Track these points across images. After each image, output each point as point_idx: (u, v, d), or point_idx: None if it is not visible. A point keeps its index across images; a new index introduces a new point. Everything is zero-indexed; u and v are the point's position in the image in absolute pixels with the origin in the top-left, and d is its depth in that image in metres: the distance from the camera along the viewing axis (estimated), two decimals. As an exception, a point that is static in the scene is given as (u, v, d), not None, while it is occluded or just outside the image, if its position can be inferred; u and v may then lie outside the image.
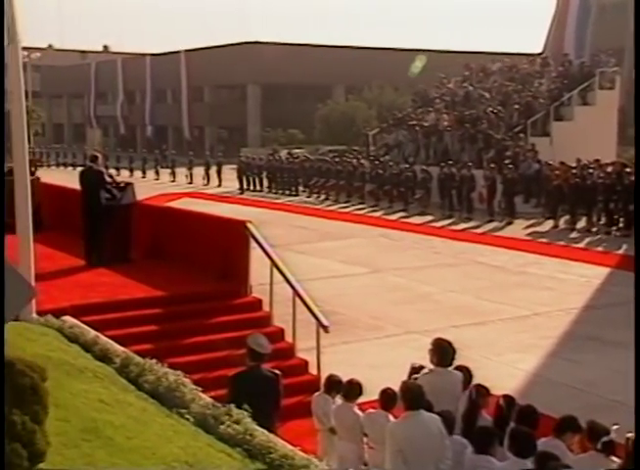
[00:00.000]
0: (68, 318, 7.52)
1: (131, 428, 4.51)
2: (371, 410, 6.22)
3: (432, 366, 6.25)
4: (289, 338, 9.17)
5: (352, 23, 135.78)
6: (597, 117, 24.67)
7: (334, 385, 6.70)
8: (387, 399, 6.02)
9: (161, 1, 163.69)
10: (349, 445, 6.29)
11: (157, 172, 39.15)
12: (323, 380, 7.23)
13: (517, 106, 26.66)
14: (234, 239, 10.00)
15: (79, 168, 15.40)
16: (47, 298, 8.19)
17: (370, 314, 12.10)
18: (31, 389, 3.36)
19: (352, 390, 6.41)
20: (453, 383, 6.18)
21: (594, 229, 19.62)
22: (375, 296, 13.38)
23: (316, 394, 6.87)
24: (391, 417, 5.87)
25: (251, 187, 32.38)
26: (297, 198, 29.49)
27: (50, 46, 77.58)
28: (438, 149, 27.00)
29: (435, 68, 36.55)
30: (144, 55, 65.50)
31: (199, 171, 35.79)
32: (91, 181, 11.05)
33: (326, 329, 8.60)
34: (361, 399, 6.51)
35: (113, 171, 28.20)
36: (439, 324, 11.18)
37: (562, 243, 18.54)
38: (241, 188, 32.39)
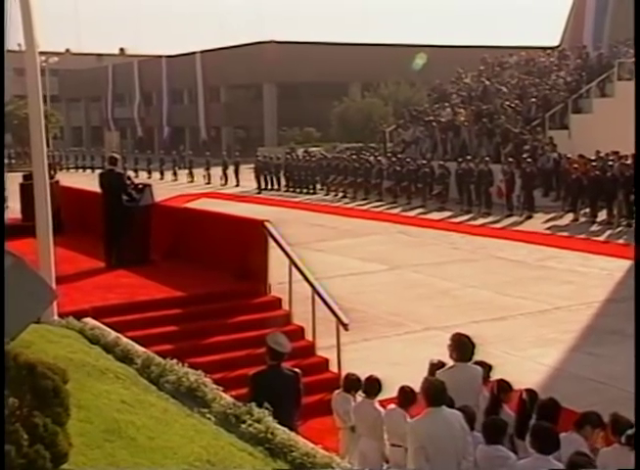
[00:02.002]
0: (89, 320, 7.57)
1: (153, 428, 4.53)
2: (391, 406, 6.22)
3: (451, 362, 6.23)
4: (309, 336, 9.17)
5: (367, 20, 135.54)
6: (616, 109, 24.38)
7: (353, 383, 6.70)
8: (404, 396, 6.02)
9: (176, 3, 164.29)
10: (371, 441, 6.29)
11: (174, 173, 39.32)
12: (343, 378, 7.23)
13: (534, 99, 26.50)
14: (252, 238, 10.02)
15: (98, 171, 15.49)
16: (68, 300, 8.25)
17: (390, 311, 12.07)
18: (53, 391, 3.39)
19: (372, 386, 6.41)
20: (473, 378, 6.16)
21: (614, 221, 19.45)
22: (394, 292, 13.36)
23: (335, 392, 6.88)
24: (408, 416, 5.86)
25: (269, 186, 32.43)
26: (314, 196, 29.49)
27: (67, 50, 78.08)
28: (456, 144, 26.90)
29: (452, 63, 36.38)
30: (160, 57, 65.77)
31: (216, 172, 35.90)
32: (111, 183, 11.10)
33: (346, 327, 8.60)
34: (382, 397, 6.51)
35: (131, 173, 28.33)
36: (459, 320, 11.14)
37: (582, 236, 18.41)
38: (258, 187, 32.45)
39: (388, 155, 28.96)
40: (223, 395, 5.58)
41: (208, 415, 5.21)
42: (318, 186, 30.48)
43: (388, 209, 24.87)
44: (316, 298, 8.95)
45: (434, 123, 28.35)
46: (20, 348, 4.08)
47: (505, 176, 22.17)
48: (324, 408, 7.10)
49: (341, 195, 28.54)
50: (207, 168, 36.59)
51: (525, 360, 9.72)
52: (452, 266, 15.42)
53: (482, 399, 6.07)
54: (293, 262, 9.40)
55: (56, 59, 58.51)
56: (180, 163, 40.59)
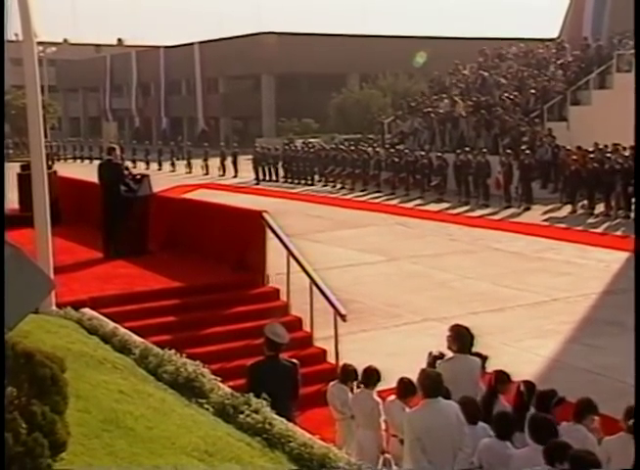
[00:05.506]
0: (87, 310, 7.56)
1: (151, 418, 4.53)
2: (391, 397, 6.23)
3: (450, 354, 6.24)
4: (306, 327, 9.19)
5: (366, 12, 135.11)
6: (615, 101, 24.31)
7: (349, 374, 6.71)
8: (403, 388, 6.03)
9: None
10: (368, 432, 6.30)
11: (172, 164, 39.26)
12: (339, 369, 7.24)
13: (533, 91, 26.46)
14: (250, 229, 10.02)
15: (96, 162, 15.47)
16: (66, 290, 8.27)
17: (387, 302, 12.09)
18: (51, 379, 3.39)
19: (370, 377, 6.42)
20: (472, 369, 6.18)
21: (612, 213, 19.46)
22: (392, 284, 13.37)
23: (331, 384, 6.87)
24: (407, 408, 5.87)
25: (267, 177, 32.39)
26: (312, 187, 29.47)
27: (65, 40, 77.79)
28: (454, 136, 26.87)
29: (451, 54, 36.31)
30: (158, 47, 65.55)
31: (214, 163, 35.85)
32: (109, 174, 11.09)
33: (344, 318, 8.60)
34: (380, 387, 6.52)
35: (129, 164, 28.30)
36: (457, 311, 11.16)
37: (580, 228, 18.42)
38: (257, 178, 32.41)
39: (387, 146, 28.91)
40: (221, 385, 5.58)
41: (206, 406, 5.21)
42: (316, 177, 30.44)
43: (386, 200, 24.85)
44: (314, 289, 8.96)
45: (433, 115, 28.31)
46: (17, 337, 4.08)
47: (503, 168, 22.14)
48: (322, 399, 7.10)
49: (339, 186, 28.51)
50: (206, 159, 36.53)
51: (523, 351, 9.74)
52: (450, 258, 15.43)
53: (481, 390, 6.09)
54: (291, 253, 9.40)
55: (53, 49, 58.30)
56: (178, 153, 40.52)
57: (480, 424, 5.49)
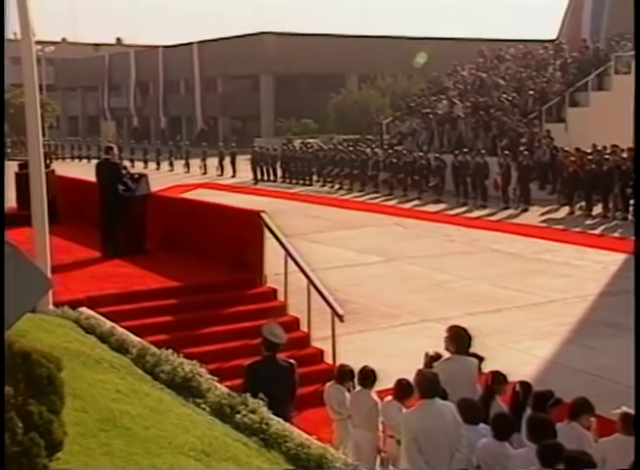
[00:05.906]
0: (84, 310, 7.56)
1: (148, 418, 4.53)
2: (388, 398, 6.23)
3: (447, 354, 6.25)
4: (304, 327, 9.18)
5: (365, 12, 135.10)
6: (613, 103, 24.34)
7: (345, 374, 6.71)
8: (401, 389, 6.03)
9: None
10: (365, 432, 6.30)
11: (171, 164, 39.27)
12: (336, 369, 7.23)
13: (531, 92, 26.49)
14: (248, 229, 10.02)
15: (94, 161, 15.46)
16: (63, 289, 8.26)
17: (385, 303, 12.09)
18: (47, 379, 3.39)
19: (367, 378, 6.41)
20: (469, 370, 6.18)
21: (610, 215, 19.47)
22: (390, 284, 13.37)
23: (328, 384, 6.86)
24: (404, 408, 5.87)
25: (265, 177, 32.40)
26: (310, 187, 29.48)
27: (64, 39, 77.79)
28: (452, 137, 26.89)
29: (450, 55, 36.32)
30: (156, 47, 65.51)
31: (213, 162, 35.84)
32: (107, 173, 11.09)
33: (341, 318, 8.60)
34: (377, 388, 6.52)
35: (127, 163, 28.30)
36: (455, 312, 11.16)
37: (578, 229, 18.44)
38: (255, 178, 32.41)
39: (385, 147, 28.93)
40: (218, 385, 5.58)
41: (203, 405, 5.21)
42: (314, 177, 30.46)
43: (384, 200, 24.87)
44: (312, 289, 8.95)
45: (431, 116, 28.33)
46: (15, 337, 4.07)
47: (501, 169, 22.16)
48: (319, 399, 7.10)
49: (337, 186, 28.53)
50: (204, 159, 36.53)
51: (520, 353, 9.74)
52: (448, 259, 15.43)
53: (478, 391, 6.09)
54: (288, 253, 9.40)
55: (52, 48, 58.34)
56: (177, 153, 40.54)
57: (482, 425, 5.49)
